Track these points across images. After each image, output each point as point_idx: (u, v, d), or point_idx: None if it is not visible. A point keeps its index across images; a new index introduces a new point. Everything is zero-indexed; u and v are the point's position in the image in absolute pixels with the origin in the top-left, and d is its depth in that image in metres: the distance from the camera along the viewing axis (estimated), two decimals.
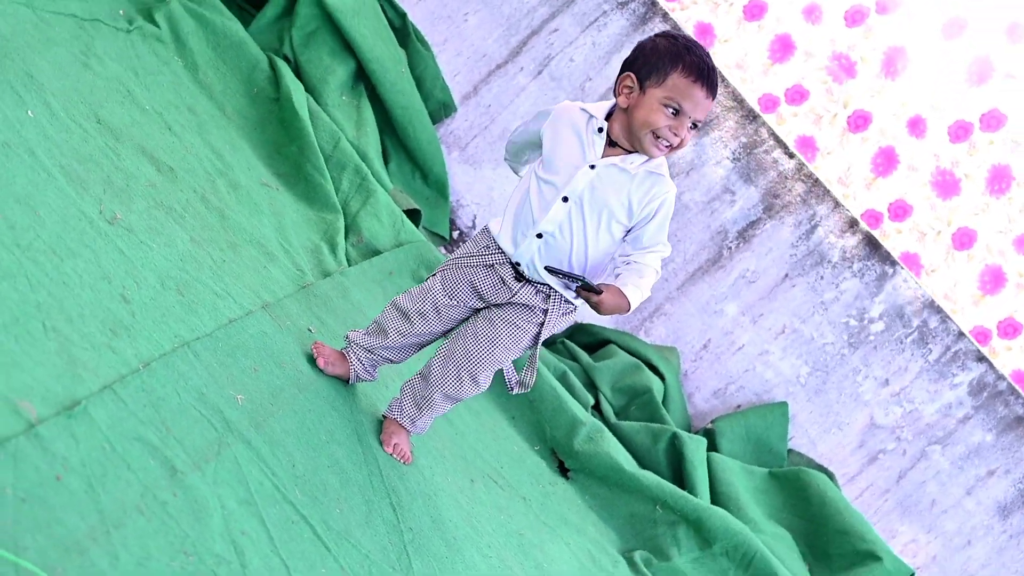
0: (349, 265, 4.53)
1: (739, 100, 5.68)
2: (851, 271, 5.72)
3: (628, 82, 3.26)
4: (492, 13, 5.73)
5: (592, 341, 5.77)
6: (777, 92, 5.81)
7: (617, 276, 3.30)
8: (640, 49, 3.30)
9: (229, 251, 3.78)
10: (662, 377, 5.54)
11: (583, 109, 3.34)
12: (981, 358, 5.72)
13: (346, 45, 5.22)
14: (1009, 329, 5.77)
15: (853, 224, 5.71)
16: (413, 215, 5.17)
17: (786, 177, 5.71)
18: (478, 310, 3.47)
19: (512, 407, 4.86)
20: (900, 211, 5.81)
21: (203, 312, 3.26)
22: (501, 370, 3.48)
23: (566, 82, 5.68)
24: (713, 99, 3.25)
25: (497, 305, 3.43)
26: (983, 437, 5.72)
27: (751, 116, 5.75)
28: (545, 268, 3.27)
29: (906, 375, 5.74)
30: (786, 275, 5.74)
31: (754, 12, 5.82)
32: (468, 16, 5.74)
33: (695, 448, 5.15)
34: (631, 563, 4.60)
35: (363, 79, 5.31)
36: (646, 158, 3.26)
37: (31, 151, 3.18)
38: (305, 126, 4.76)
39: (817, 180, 5.72)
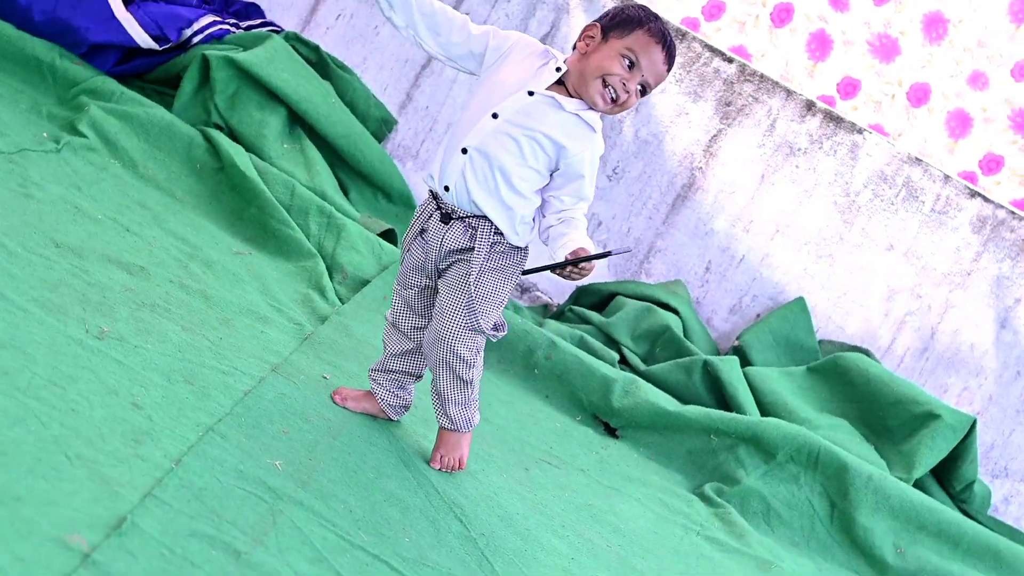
0: (342, 303, 4.52)
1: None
2: (823, 151, 5.71)
3: (592, 32, 3.32)
4: None
5: (598, 299, 5.76)
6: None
7: (563, 236, 3.29)
8: (610, 9, 3.37)
9: (223, 328, 3.77)
10: (676, 312, 5.54)
11: (547, 49, 3.37)
12: (973, 194, 5.71)
13: (271, 95, 5.20)
14: (992, 164, 5.76)
15: (810, 106, 5.70)
16: (388, 235, 5.16)
17: (732, 82, 5.70)
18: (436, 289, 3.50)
19: (542, 386, 4.86)
20: (849, 88, 5.80)
21: (216, 394, 3.25)
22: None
23: None
24: (669, 70, 3.31)
25: (441, 273, 3.45)
26: (999, 268, 5.71)
27: (679, 34, 5.74)
28: (523, 272, 3.35)
29: (906, 234, 5.74)
30: (762, 175, 5.74)
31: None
32: (378, 28, 5.72)
33: (729, 369, 5.15)
34: (704, 498, 4.60)
35: (298, 122, 5.30)
36: (583, 106, 3.29)
37: (1, 295, 3.17)
38: (257, 185, 4.74)
39: (763, 75, 5.70)
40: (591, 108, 3.29)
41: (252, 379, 3.48)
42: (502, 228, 3.35)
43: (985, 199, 5.67)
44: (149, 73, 5.28)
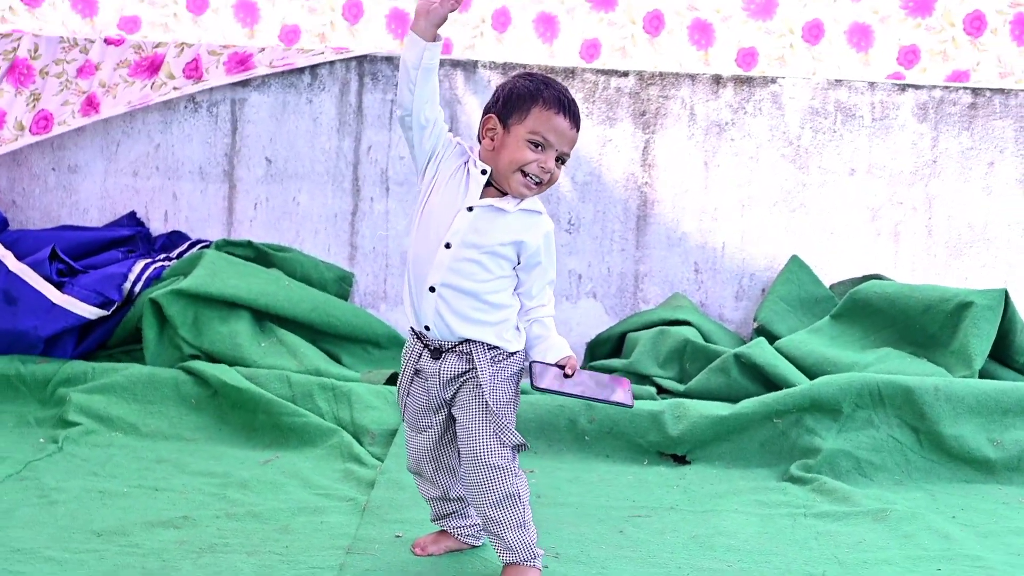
0: (382, 461, 4.50)
1: None
2: (748, 115, 5.73)
3: (491, 124, 3.26)
4: (313, 182, 5.74)
5: (610, 347, 5.75)
6: None
7: (540, 339, 3.33)
8: (500, 91, 3.30)
9: (284, 536, 3.75)
10: (688, 323, 5.52)
11: (459, 144, 3.34)
12: (903, 88, 5.73)
13: (228, 304, 5.21)
14: (910, 56, 5.78)
15: (719, 80, 5.74)
16: (394, 379, 5.15)
17: (636, 92, 5.73)
18: (450, 417, 3.45)
19: (599, 448, 4.83)
20: (748, 57, 5.83)
21: None
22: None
23: (412, 182, 5.68)
24: (577, 131, 3.26)
25: (451, 401, 3.40)
26: (959, 143, 5.73)
27: (568, 74, 5.77)
28: (533, 387, 3.22)
29: (860, 153, 5.75)
30: (705, 162, 5.75)
31: None
32: (296, 197, 5.75)
33: (761, 351, 5.13)
34: (794, 480, 4.57)
35: (264, 317, 5.30)
36: (517, 201, 3.27)
37: None
38: (255, 392, 4.74)
39: (662, 73, 5.73)
40: (521, 198, 3.28)
41: (333, 570, 3.45)
42: (495, 343, 3.32)
43: (916, 87, 5.69)
44: (109, 340, 5.29)
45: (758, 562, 3.80)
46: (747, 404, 4.81)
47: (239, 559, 3.53)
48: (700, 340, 5.37)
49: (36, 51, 5.59)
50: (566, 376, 3.23)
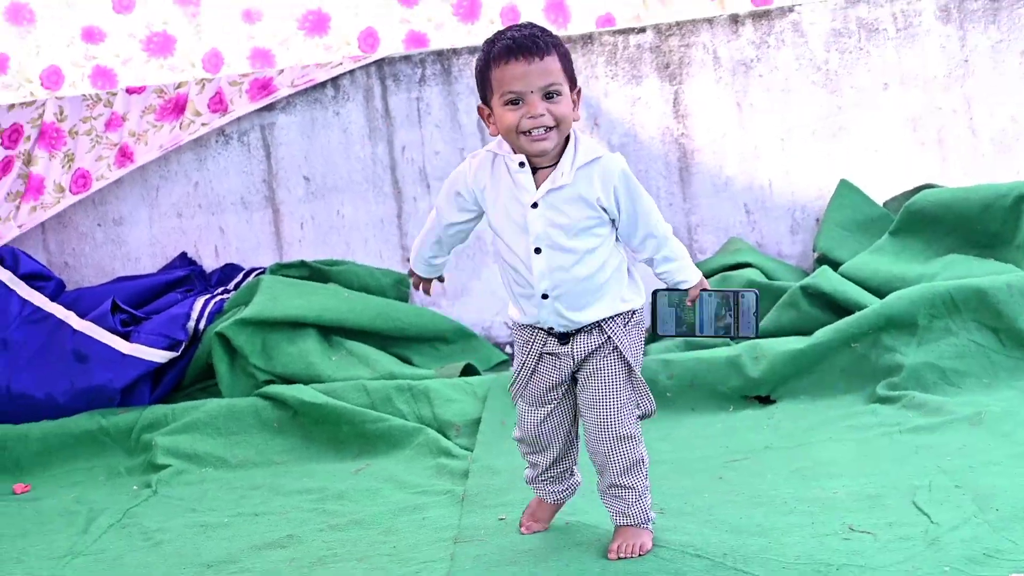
0: (471, 451, 4.52)
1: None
2: (772, 48, 5.71)
3: (482, 113, 3.23)
4: (354, 192, 5.77)
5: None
6: None
7: (666, 272, 3.30)
8: (476, 76, 3.23)
9: (391, 537, 3.78)
10: (749, 265, 5.51)
11: (489, 151, 3.26)
12: None
13: (293, 326, 5.24)
14: None
15: (736, 19, 5.71)
16: (468, 369, 5.16)
17: (657, 46, 5.72)
18: (571, 387, 3.41)
19: (683, 403, 4.83)
20: None
21: None
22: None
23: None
24: (543, 58, 3.09)
25: (577, 371, 3.36)
26: (988, 39, 5.67)
27: (583, 41, 5.77)
28: (659, 335, 3.35)
29: (891, 65, 5.71)
30: (738, 103, 5.73)
31: None
32: (340, 210, 5.78)
33: (826, 279, 5.11)
34: (883, 400, 4.54)
35: (330, 332, 5.33)
36: (571, 159, 3.13)
37: None
38: (335, 406, 4.77)
39: (678, 23, 5.72)
40: (558, 160, 3.15)
41: (444, 562, 3.47)
42: (620, 310, 3.28)
43: None
44: (183, 380, 5.33)
45: (863, 484, 3.78)
46: (822, 334, 4.79)
47: (350, 566, 3.56)
48: (764, 279, 5.36)
49: (62, 113, 5.64)
50: (689, 304, 3.27)
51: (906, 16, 5.66)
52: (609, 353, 3.28)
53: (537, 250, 3.16)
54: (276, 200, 5.75)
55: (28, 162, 5.63)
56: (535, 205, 3.14)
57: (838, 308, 5.02)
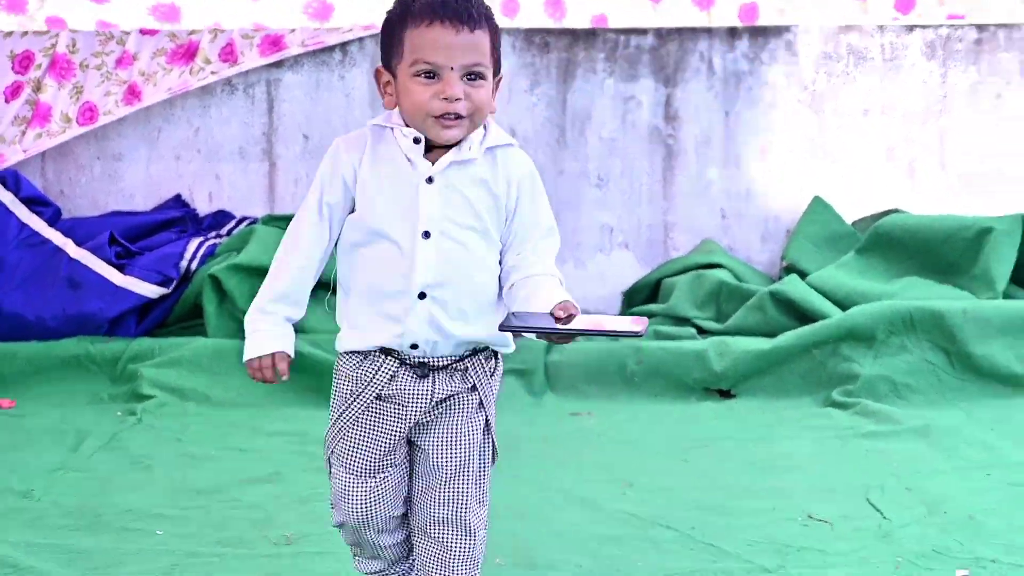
0: None
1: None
2: (764, 64, 5.96)
3: (383, 78, 2.58)
4: None
5: (647, 293, 5.98)
6: None
7: (526, 294, 2.50)
8: (383, 28, 2.59)
9: None
10: (721, 266, 5.76)
11: (376, 125, 2.61)
12: (911, 28, 5.97)
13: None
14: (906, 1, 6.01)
15: (734, 32, 5.96)
16: None
17: (656, 48, 5.96)
18: (409, 447, 2.69)
19: (647, 388, 5.07)
20: (750, 11, 6.05)
21: None
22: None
23: None
24: (473, 30, 2.48)
25: (423, 426, 2.64)
26: (967, 78, 5.96)
27: (591, 37, 6.00)
28: (500, 328, 2.39)
29: (873, 94, 5.98)
30: (726, 112, 5.98)
31: None
32: None
33: (794, 287, 5.38)
34: (837, 405, 4.83)
35: (317, 286, 5.52)
36: (480, 137, 2.57)
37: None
38: (316, 356, 4.97)
39: (679, 29, 5.96)
40: (462, 143, 2.56)
41: None
42: (494, 343, 2.64)
43: (923, 27, 5.93)
44: (168, 317, 5.50)
45: (818, 479, 4.05)
46: (786, 337, 5.07)
47: None
48: (734, 281, 5.62)
49: (74, 46, 5.79)
50: (557, 320, 2.38)
51: (894, 48, 5.94)
52: (469, 404, 2.62)
53: (426, 234, 2.52)
54: (273, 154, 5.93)
55: (37, 89, 5.77)
56: (430, 180, 2.54)
57: (801, 316, 5.30)
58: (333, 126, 5.90)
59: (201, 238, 5.63)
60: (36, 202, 5.62)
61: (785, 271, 5.81)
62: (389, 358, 2.55)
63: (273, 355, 2.56)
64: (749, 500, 3.88)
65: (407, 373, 2.55)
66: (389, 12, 2.55)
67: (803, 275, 5.62)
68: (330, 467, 2.68)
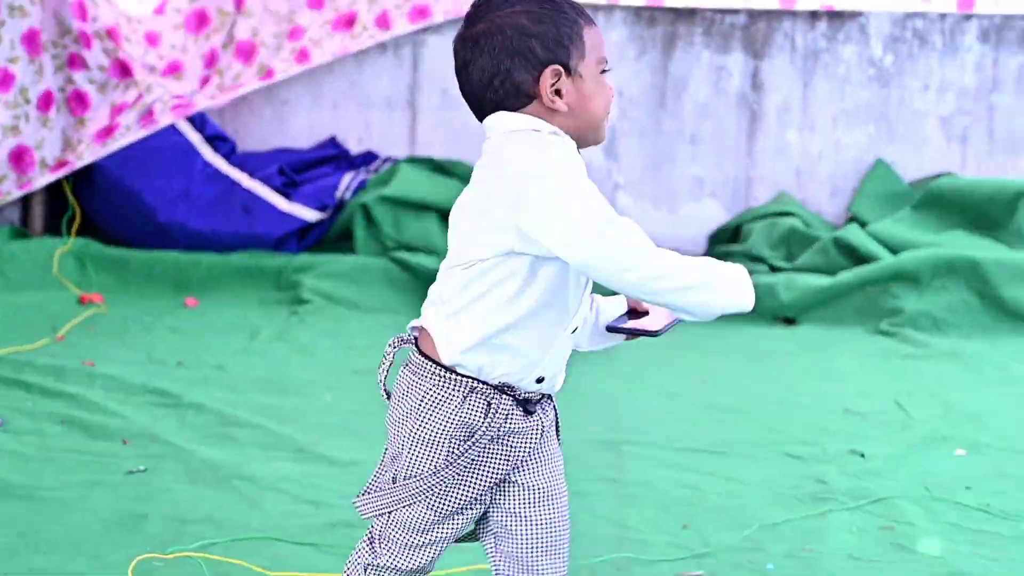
0: None
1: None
2: (840, 43, 6.85)
3: (553, 77, 2.22)
4: None
5: (727, 237, 6.90)
6: None
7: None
8: (520, 32, 2.23)
9: None
10: (792, 215, 6.67)
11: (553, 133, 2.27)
12: (969, 17, 6.83)
13: (421, 207, 6.42)
14: None
15: (815, 15, 6.86)
16: None
17: (747, 27, 6.88)
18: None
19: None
20: None
21: None
22: None
23: None
24: None
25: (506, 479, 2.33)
26: (1017, 61, 6.82)
27: (688, 16, 6.92)
28: (608, 329, 2.33)
29: (933, 73, 6.85)
30: (804, 83, 6.89)
31: None
32: (468, 120, 6.94)
33: (854, 234, 6.30)
34: (884, 333, 5.75)
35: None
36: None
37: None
38: None
39: (768, 11, 6.89)
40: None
41: None
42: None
43: (979, 16, 6.79)
44: (325, 238, 6.53)
45: (859, 386, 5.02)
46: (844, 276, 6.00)
47: None
48: (803, 228, 6.54)
49: (256, 34, 6.74)
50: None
51: (952, 33, 6.81)
52: (555, 433, 2.39)
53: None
54: (415, 105, 6.92)
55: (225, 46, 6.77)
56: None
57: (859, 259, 6.21)
58: None
59: (353, 173, 6.63)
60: (217, 139, 6.66)
61: (849, 222, 6.70)
62: (503, 397, 2.24)
63: None
64: (800, 397, 4.85)
65: (518, 410, 2.27)
66: (544, 13, 2.25)
67: (863, 226, 6.53)
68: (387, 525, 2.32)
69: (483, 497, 2.28)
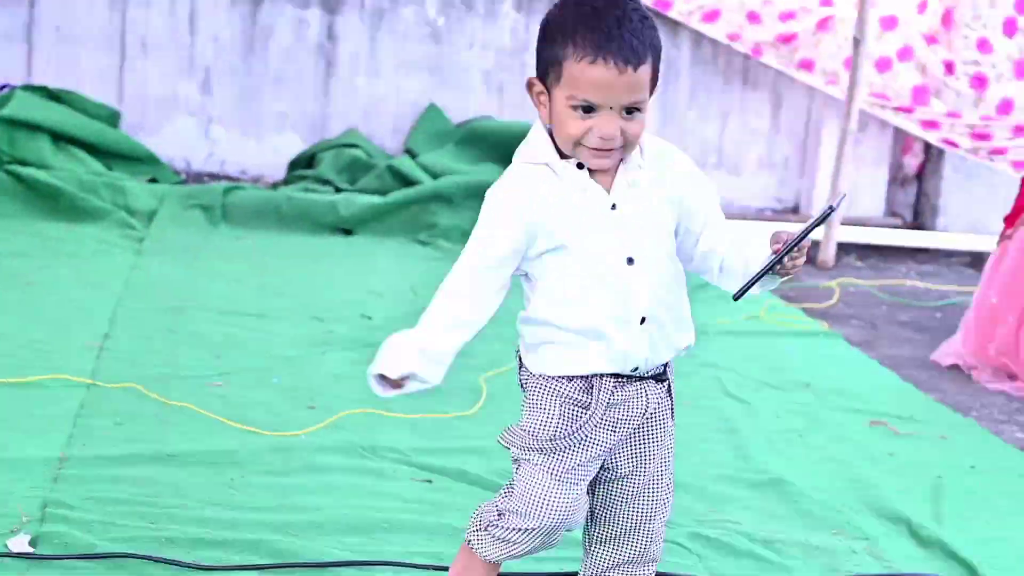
0: (148, 228, 6.84)
1: None
2: None
3: (537, 89, 2.49)
4: (94, 47, 7.86)
5: (307, 163, 8.10)
6: None
7: (746, 244, 2.56)
8: (540, 32, 2.48)
9: (88, 256, 6.09)
10: (357, 146, 7.94)
11: (530, 164, 2.54)
12: None
13: (35, 128, 7.36)
14: None
15: None
16: (154, 182, 7.43)
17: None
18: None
19: (294, 226, 7.22)
20: None
21: None
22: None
23: (166, 45, 7.89)
24: (636, 68, 2.39)
25: (630, 434, 2.64)
26: None
27: None
28: (735, 298, 2.50)
29: (477, 34, 8.20)
30: (371, 37, 8.15)
31: None
32: (81, 58, 7.87)
33: (405, 163, 7.60)
34: (422, 243, 7.08)
35: (60, 139, 7.46)
36: (638, 151, 2.52)
37: None
38: (56, 184, 6.93)
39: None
40: (628, 162, 2.52)
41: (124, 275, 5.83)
42: (689, 344, 2.66)
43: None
44: None
45: (392, 277, 6.30)
46: (394, 196, 7.31)
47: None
48: (365, 157, 7.81)
49: None
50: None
51: (493, 2, 8.20)
52: (668, 405, 2.65)
53: (630, 260, 2.51)
54: (31, 40, 7.84)
55: None
56: (614, 207, 2.51)
57: (408, 182, 7.52)
58: (80, 21, 7.81)
59: None
60: None
61: (405, 152, 8.02)
62: (606, 378, 2.54)
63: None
64: (337, 283, 6.11)
65: (626, 384, 2.55)
66: (550, 22, 2.45)
67: (414, 157, 7.86)
68: (520, 470, 2.61)
69: (595, 463, 2.60)
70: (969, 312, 5.68)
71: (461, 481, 3.79)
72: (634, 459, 2.65)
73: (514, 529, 2.60)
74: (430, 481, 3.77)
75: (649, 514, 2.68)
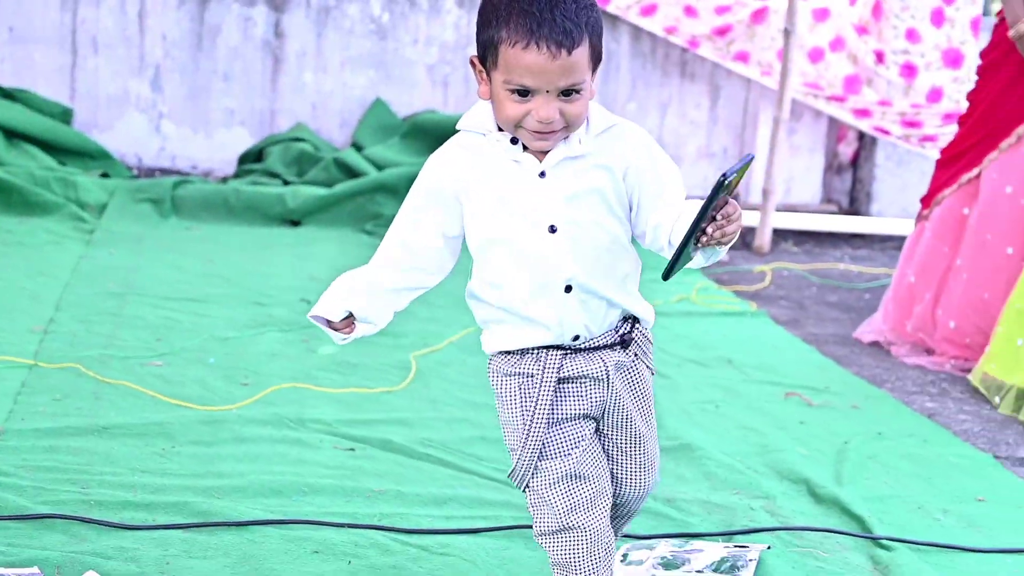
0: (99, 220, 7.00)
1: None
2: None
3: (478, 68, 2.50)
4: (46, 45, 8.02)
5: (256, 158, 8.29)
6: None
7: (674, 219, 2.48)
8: (478, 14, 2.50)
9: (38, 247, 6.27)
10: (304, 140, 8.12)
11: (466, 131, 2.57)
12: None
13: None
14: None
15: None
16: (106, 176, 7.59)
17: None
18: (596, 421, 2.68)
19: (243, 218, 7.41)
20: None
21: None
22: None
23: (118, 44, 8.06)
24: (571, 52, 2.38)
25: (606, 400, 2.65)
26: None
27: None
28: (664, 277, 2.44)
29: (421, 30, 8.39)
30: (318, 34, 8.33)
31: None
32: (35, 56, 8.04)
33: (351, 155, 7.80)
34: (369, 232, 7.27)
35: (12, 136, 7.62)
36: (584, 126, 2.52)
37: None
38: (8, 180, 7.10)
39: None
40: (570, 138, 2.51)
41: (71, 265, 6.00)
42: (645, 317, 2.67)
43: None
44: None
45: (334, 261, 6.48)
46: (340, 187, 7.49)
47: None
48: (312, 151, 8.00)
49: None
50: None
51: None
52: (636, 361, 2.66)
53: (552, 229, 2.52)
54: None
55: None
56: (543, 175, 2.51)
57: (353, 174, 7.71)
58: (33, 22, 7.98)
59: None
60: None
61: (353, 147, 8.20)
62: (553, 351, 2.56)
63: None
64: (286, 271, 6.29)
65: (575, 357, 2.57)
66: (486, 5, 2.46)
67: (360, 150, 8.05)
68: (533, 482, 2.58)
69: (582, 428, 2.58)
70: (889, 291, 5.89)
71: (385, 450, 3.98)
72: (614, 428, 2.66)
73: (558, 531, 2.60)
74: (352, 449, 3.96)
75: (635, 471, 2.72)
